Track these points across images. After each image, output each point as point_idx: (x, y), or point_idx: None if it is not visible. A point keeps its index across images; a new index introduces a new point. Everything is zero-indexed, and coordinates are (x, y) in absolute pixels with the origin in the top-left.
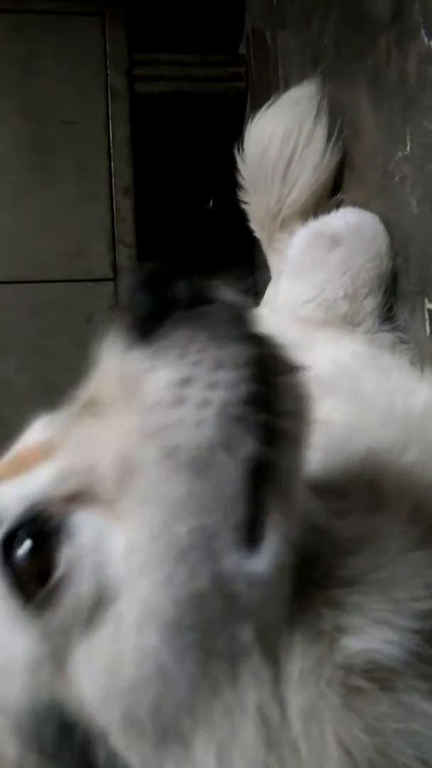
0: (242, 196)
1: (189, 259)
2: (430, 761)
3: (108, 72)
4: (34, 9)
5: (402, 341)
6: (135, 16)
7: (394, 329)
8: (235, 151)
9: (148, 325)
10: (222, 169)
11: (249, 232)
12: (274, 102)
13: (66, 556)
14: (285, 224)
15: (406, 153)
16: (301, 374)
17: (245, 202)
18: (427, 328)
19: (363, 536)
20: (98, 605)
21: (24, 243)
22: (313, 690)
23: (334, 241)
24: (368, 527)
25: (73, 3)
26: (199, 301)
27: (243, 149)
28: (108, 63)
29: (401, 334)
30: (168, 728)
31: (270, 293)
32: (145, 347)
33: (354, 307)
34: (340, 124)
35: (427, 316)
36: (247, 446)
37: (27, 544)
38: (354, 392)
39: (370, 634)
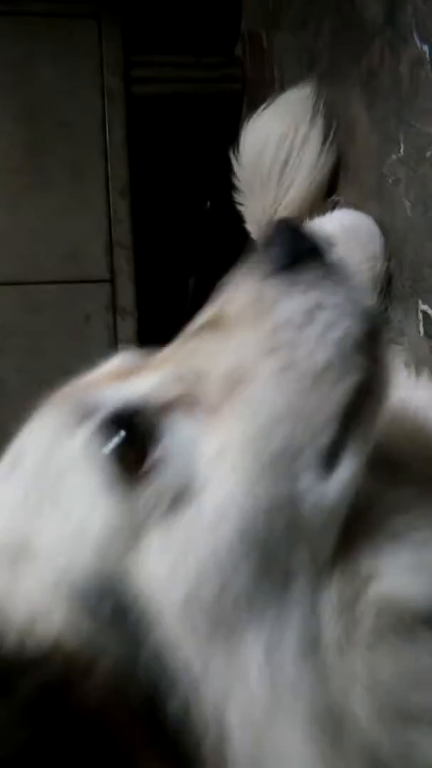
0: (238, 197)
1: (187, 259)
2: None
3: (104, 73)
4: (29, 11)
5: (396, 342)
6: (131, 18)
7: (388, 330)
8: (231, 154)
9: (286, 260)
10: (219, 171)
11: (246, 234)
12: (270, 104)
13: (163, 446)
14: None
15: (399, 155)
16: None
17: (242, 204)
18: (421, 329)
19: (407, 500)
20: (182, 495)
21: (21, 244)
22: (345, 623)
23: (329, 242)
24: (412, 494)
25: (69, 5)
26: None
27: (239, 151)
28: (104, 65)
29: (395, 335)
30: (222, 622)
31: None
32: (284, 277)
33: None
34: (335, 127)
35: (420, 317)
36: (357, 376)
37: (123, 437)
38: None
39: (402, 581)
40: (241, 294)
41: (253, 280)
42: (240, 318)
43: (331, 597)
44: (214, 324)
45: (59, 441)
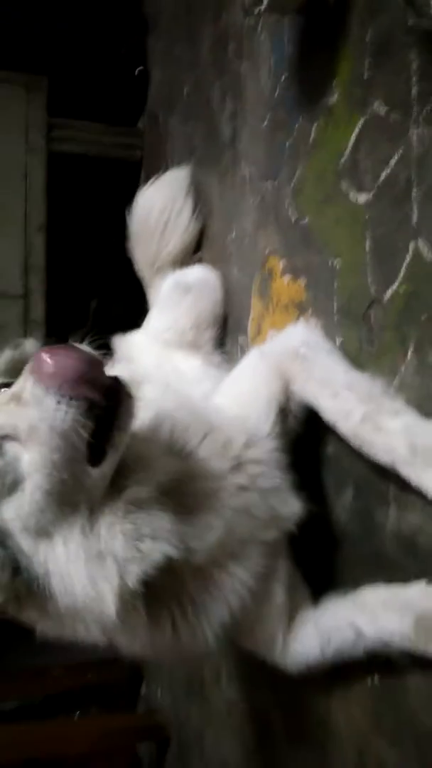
0: (130, 245)
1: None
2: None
3: (29, 131)
4: None
5: (226, 360)
6: (55, 87)
7: (223, 353)
8: (126, 212)
9: (47, 377)
10: (117, 219)
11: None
12: (157, 178)
13: (1, 459)
14: (159, 270)
15: (233, 236)
16: (123, 392)
17: (132, 250)
18: (239, 353)
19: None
20: (14, 484)
21: None
22: (110, 519)
23: (188, 288)
24: (139, 478)
25: (3, 73)
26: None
27: (132, 211)
28: (29, 124)
29: (227, 356)
30: (41, 532)
31: (147, 319)
32: (37, 385)
33: (198, 335)
34: (201, 204)
35: (239, 347)
36: (84, 432)
37: None
38: (166, 385)
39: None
40: (28, 387)
41: (30, 381)
42: (29, 400)
43: (101, 507)
44: (18, 398)
45: None
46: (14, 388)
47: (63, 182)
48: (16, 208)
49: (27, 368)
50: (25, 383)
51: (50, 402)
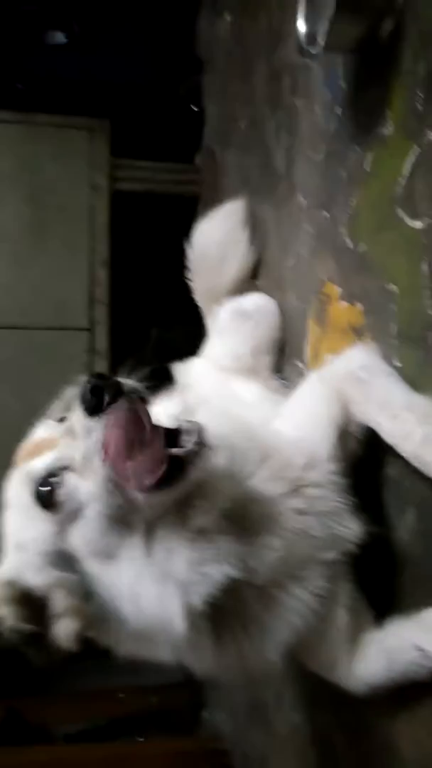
0: (189, 276)
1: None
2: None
3: (93, 172)
4: (38, 122)
5: (285, 386)
6: (117, 130)
7: (281, 378)
8: (185, 244)
9: (92, 409)
10: (178, 252)
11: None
12: (215, 211)
13: (63, 492)
14: (217, 299)
15: (290, 264)
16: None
17: (191, 281)
18: (297, 378)
19: (199, 494)
20: (78, 511)
21: (23, 297)
22: (171, 544)
23: (246, 316)
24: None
25: (69, 118)
26: (115, 396)
27: (192, 243)
28: (93, 165)
29: (285, 381)
30: (106, 557)
31: (206, 346)
32: (91, 418)
33: (256, 361)
34: (257, 234)
35: (296, 371)
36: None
37: (46, 487)
38: (223, 410)
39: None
40: (77, 420)
41: (80, 414)
42: (79, 433)
43: (160, 529)
44: (70, 431)
45: (22, 492)
46: (67, 422)
47: (125, 219)
48: (81, 244)
49: (75, 401)
50: (74, 417)
51: (97, 434)
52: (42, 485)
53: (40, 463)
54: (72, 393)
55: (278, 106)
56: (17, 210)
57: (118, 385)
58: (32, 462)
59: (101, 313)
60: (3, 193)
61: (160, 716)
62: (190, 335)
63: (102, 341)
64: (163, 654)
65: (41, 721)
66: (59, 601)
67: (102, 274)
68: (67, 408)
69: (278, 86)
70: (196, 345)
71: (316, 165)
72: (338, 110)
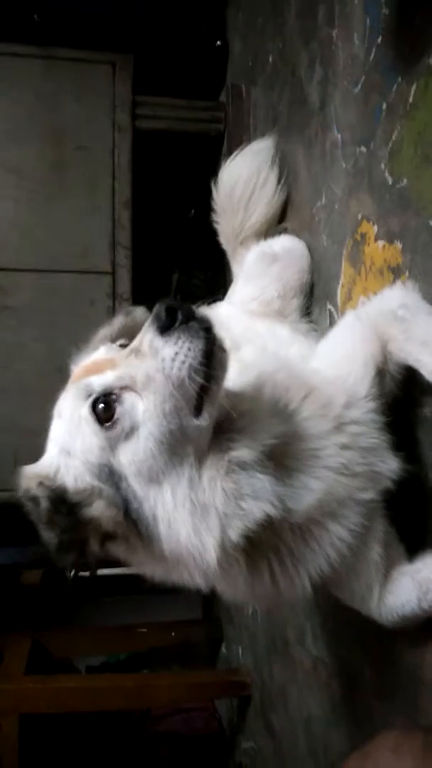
0: (215, 217)
1: (172, 258)
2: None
3: (115, 110)
4: (59, 56)
5: (314, 329)
6: (139, 66)
7: (309, 321)
8: (211, 184)
9: (164, 328)
10: (202, 193)
11: (218, 244)
12: (241, 149)
13: (119, 409)
14: (244, 242)
15: (322, 203)
16: (224, 350)
17: (217, 222)
18: (328, 321)
19: (244, 429)
20: (131, 431)
21: (43, 240)
22: (212, 474)
23: (274, 258)
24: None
25: (91, 53)
26: (187, 318)
27: (217, 183)
28: (116, 102)
29: (313, 324)
30: (152, 478)
31: (231, 290)
32: (164, 335)
33: (284, 304)
34: (285, 173)
35: (328, 314)
36: (199, 379)
37: (102, 405)
38: (262, 347)
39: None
40: (147, 340)
41: (152, 333)
42: (147, 352)
43: (208, 464)
44: (137, 351)
45: (77, 405)
46: (134, 342)
47: (147, 158)
48: (104, 185)
49: (147, 322)
50: (144, 337)
51: (167, 352)
52: (99, 401)
53: (99, 380)
54: (122, 321)
55: (312, 38)
56: (36, 149)
57: (191, 309)
58: (91, 378)
59: (123, 257)
60: (22, 131)
61: (179, 650)
62: (211, 280)
63: (124, 285)
64: (194, 580)
65: (65, 654)
66: (95, 510)
67: (125, 216)
68: (126, 334)
69: (313, 17)
70: (217, 290)
71: (354, 98)
72: (379, 39)
